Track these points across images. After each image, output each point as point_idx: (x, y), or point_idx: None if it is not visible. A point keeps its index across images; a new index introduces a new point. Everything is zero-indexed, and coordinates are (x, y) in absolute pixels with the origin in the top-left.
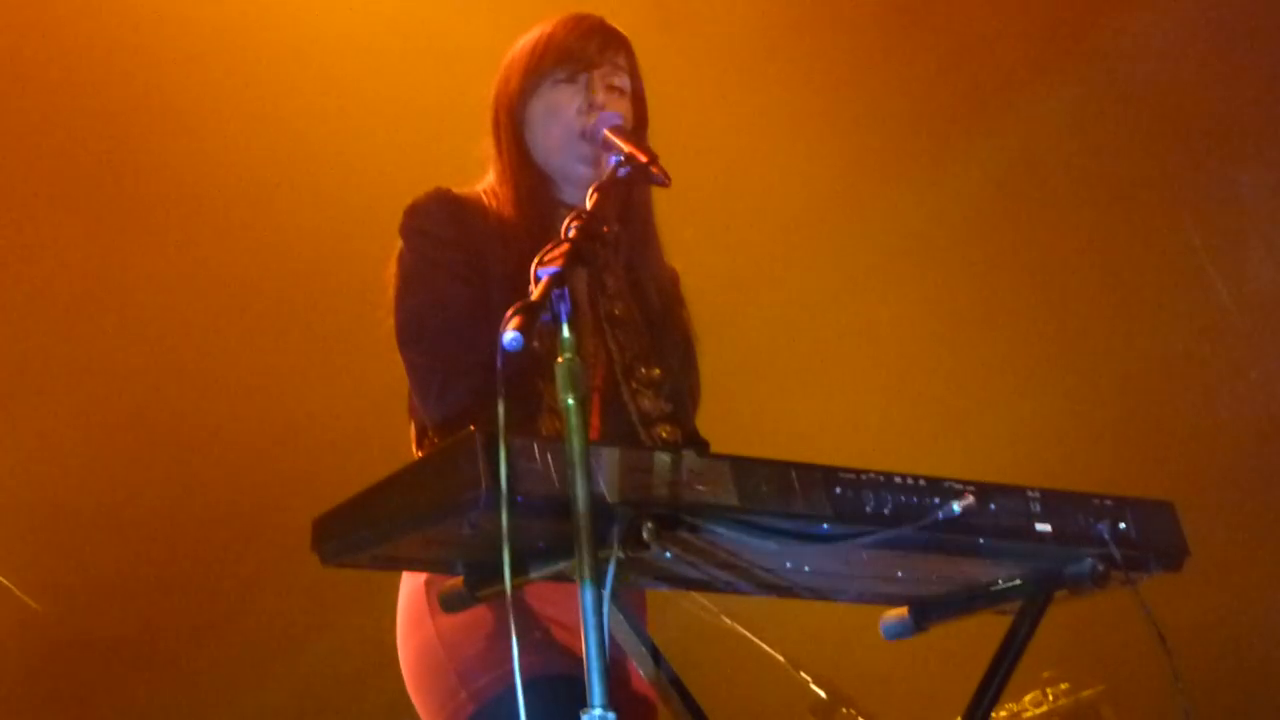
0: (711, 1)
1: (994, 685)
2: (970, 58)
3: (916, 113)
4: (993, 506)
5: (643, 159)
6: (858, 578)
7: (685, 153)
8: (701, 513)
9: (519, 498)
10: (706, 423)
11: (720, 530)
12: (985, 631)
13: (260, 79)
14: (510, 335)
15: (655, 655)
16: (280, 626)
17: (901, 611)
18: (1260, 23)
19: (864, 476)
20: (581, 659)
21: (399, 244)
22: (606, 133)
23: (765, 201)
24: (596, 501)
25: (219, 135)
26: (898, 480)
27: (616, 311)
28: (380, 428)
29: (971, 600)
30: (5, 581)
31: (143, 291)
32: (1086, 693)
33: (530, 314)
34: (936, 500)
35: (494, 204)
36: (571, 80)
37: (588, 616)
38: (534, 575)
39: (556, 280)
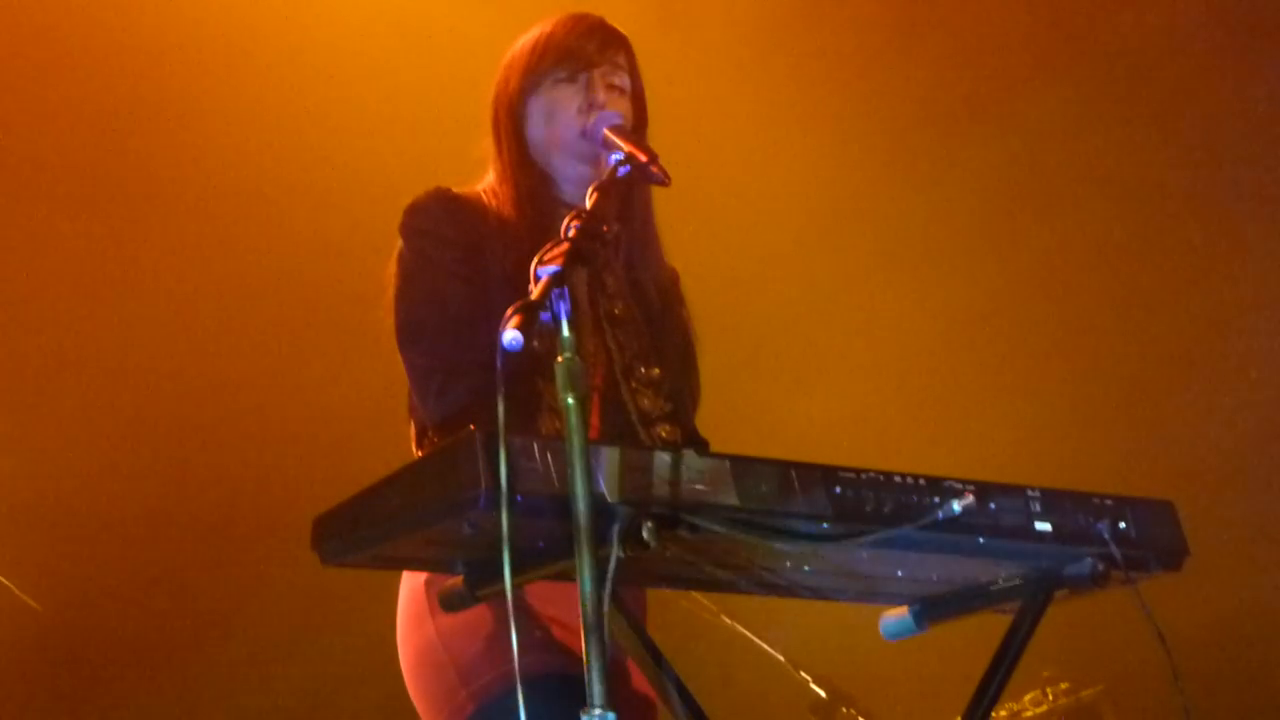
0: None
1: (994, 685)
2: (974, 56)
3: (916, 112)
4: (993, 506)
5: (643, 158)
6: (858, 577)
7: (686, 152)
8: (701, 512)
9: (519, 497)
10: (706, 422)
11: (720, 530)
12: (985, 631)
13: (261, 79)
14: (510, 335)
15: (655, 655)
16: (280, 626)
17: (901, 611)
18: (1266, 21)
19: (864, 476)
20: (582, 658)
21: (399, 243)
22: (606, 132)
23: (765, 201)
24: (596, 501)
25: (215, 136)
26: (898, 480)
27: (616, 311)
28: (380, 428)
29: (971, 600)
30: (5, 581)
31: (143, 292)
32: (1086, 693)
33: (530, 313)
34: (936, 500)
35: (494, 203)
36: (571, 79)
37: (588, 616)
38: (534, 575)
39: (556, 280)
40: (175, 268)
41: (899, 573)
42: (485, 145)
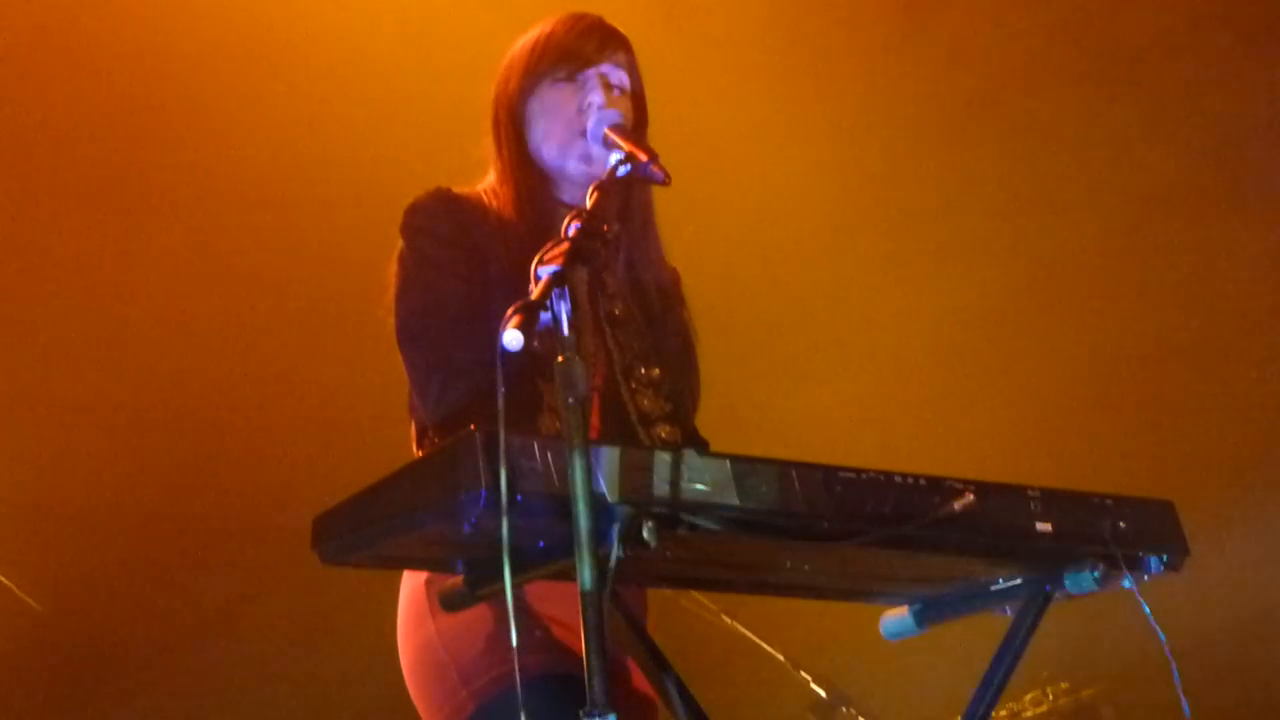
0: None
1: (994, 685)
2: (977, 55)
3: (917, 112)
4: (993, 506)
5: (643, 157)
6: (858, 577)
7: (689, 151)
8: (701, 512)
9: (519, 497)
10: (706, 422)
11: (720, 530)
12: (985, 631)
13: (261, 79)
14: (510, 334)
15: (655, 655)
16: (280, 626)
17: (901, 611)
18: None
19: (864, 476)
20: (582, 658)
21: (399, 243)
22: (606, 131)
23: (767, 201)
24: (596, 500)
25: (212, 137)
26: (898, 479)
27: (616, 311)
28: (380, 428)
29: (971, 600)
30: (6, 581)
31: (143, 292)
32: (1086, 692)
33: (530, 313)
34: (936, 499)
35: (494, 203)
36: (571, 79)
37: (588, 616)
38: (534, 575)
39: (556, 279)
40: (174, 267)
41: (899, 573)
42: (486, 145)
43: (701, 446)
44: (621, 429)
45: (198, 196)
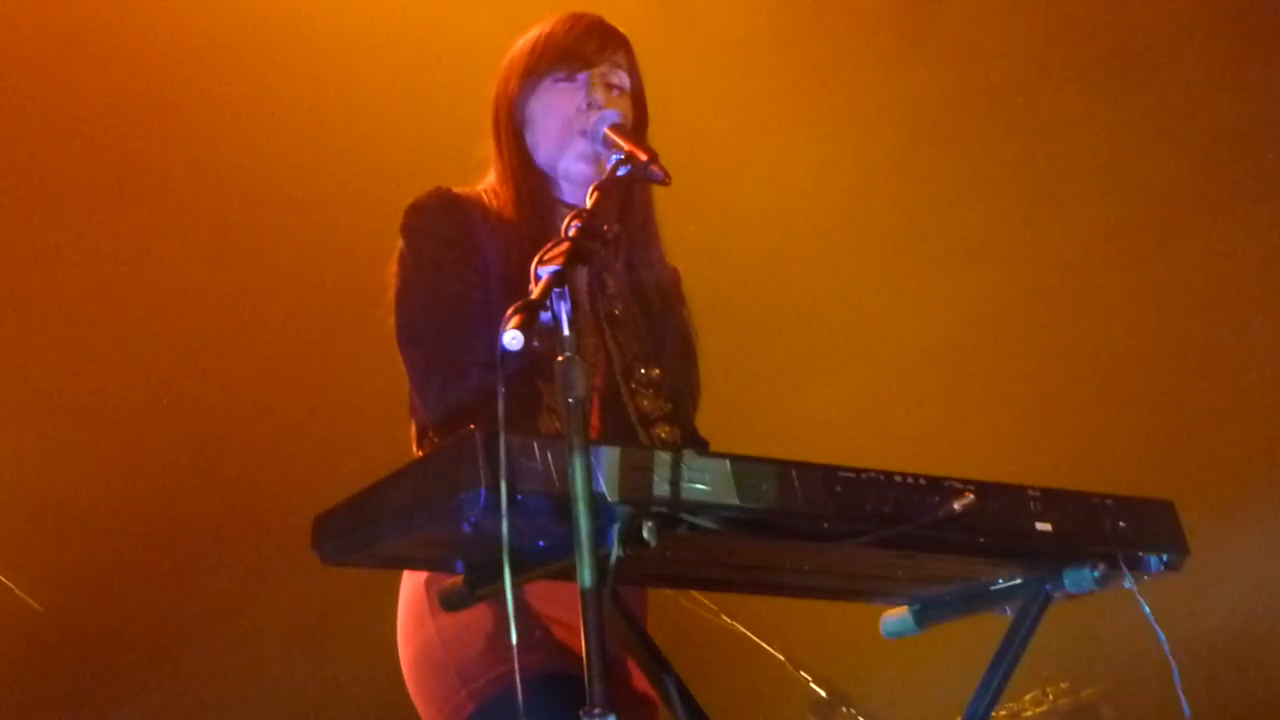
0: None
1: (994, 685)
2: (985, 53)
3: (919, 112)
4: (993, 506)
5: (643, 157)
6: (858, 577)
7: (692, 151)
8: (701, 512)
9: (519, 497)
10: (706, 422)
11: (720, 530)
12: (985, 631)
13: (264, 82)
14: (510, 334)
15: (655, 655)
16: (280, 626)
17: (901, 611)
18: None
19: (864, 476)
20: (582, 658)
21: (399, 243)
22: (606, 131)
23: (768, 201)
24: (596, 500)
25: (214, 138)
26: (898, 479)
27: (616, 312)
28: (380, 427)
29: (971, 600)
30: (6, 581)
31: (144, 292)
32: (1086, 692)
33: (530, 313)
34: (936, 499)
35: (494, 203)
36: (570, 79)
37: (588, 615)
38: (534, 574)
39: (557, 279)
40: (174, 268)
41: (899, 573)
42: (486, 146)
43: (701, 446)
44: (621, 429)
45: (197, 197)
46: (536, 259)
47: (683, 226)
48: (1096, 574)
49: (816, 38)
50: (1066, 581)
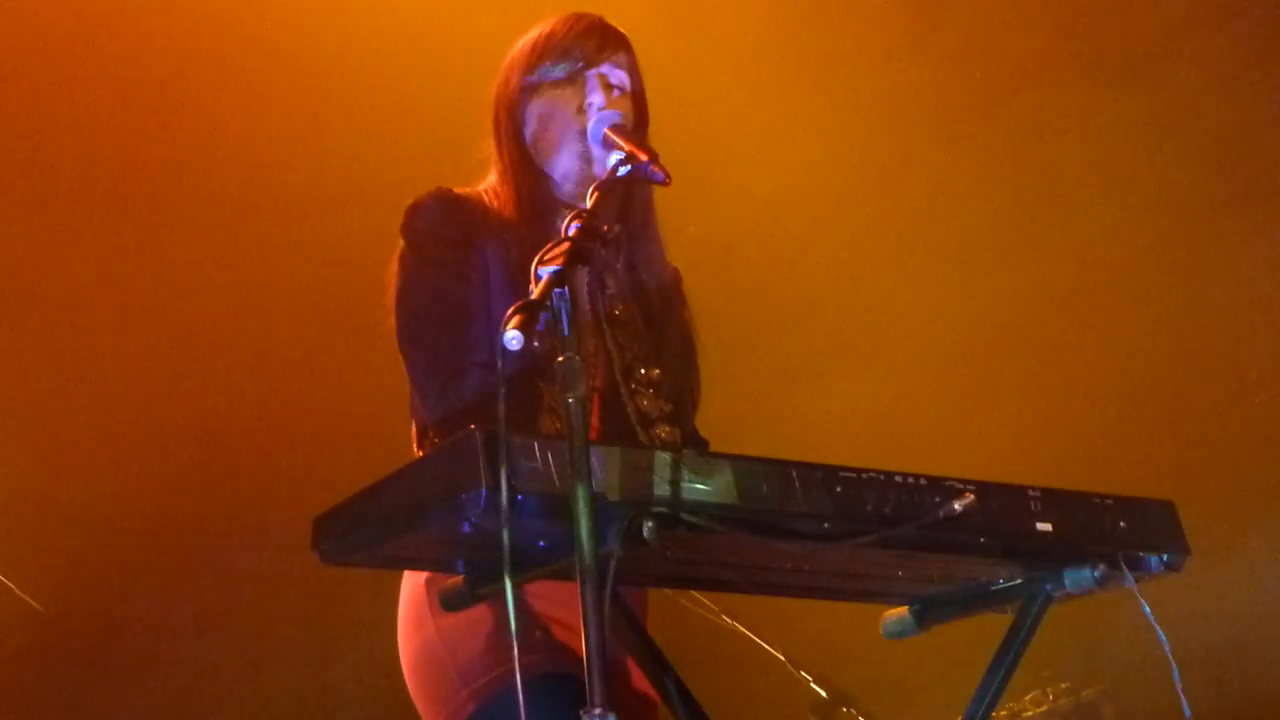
0: None
1: (994, 685)
2: (989, 51)
3: (922, 112)
4: (993, 506)
5: (643, 157)
6: (858, 577)
7: (693, 151)
8: (701, 512)
9: (519, 497)
10: (707, 422)
11: (720, 530)
12: (985, 631)
13: (266, 83)
14: (510, 334)
15: (655, 655)
16: (280, 626)
17: (901, 611)
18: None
19: (864, 476)
20: (582, 658)
21: (400, 243)
22: (607, 131)
23: (770, 201)
24: (596, 500)
25: (214, 140)
26: (898, 479)
27: (617, 312)
28: (380, 427)
29: (971, 600)
30: (6, 581)
31: (144, 292)
32: (1086, 692)
33: (530, 313)
34: (937, 500)
35: (495, 203)
36: (571, 79)
37: (588, 615)
38: (534, 574)
39: (557, 279)
40: (175, 269)
41: (899, 573)
42: (486, 146)
43: (701, 446)
44: (621, 429)
45: (198, 197)
46: (537, 259)
47: (684, 226)
48: (1097, 574)
49: (819, 36)
50: (1067, 581)
